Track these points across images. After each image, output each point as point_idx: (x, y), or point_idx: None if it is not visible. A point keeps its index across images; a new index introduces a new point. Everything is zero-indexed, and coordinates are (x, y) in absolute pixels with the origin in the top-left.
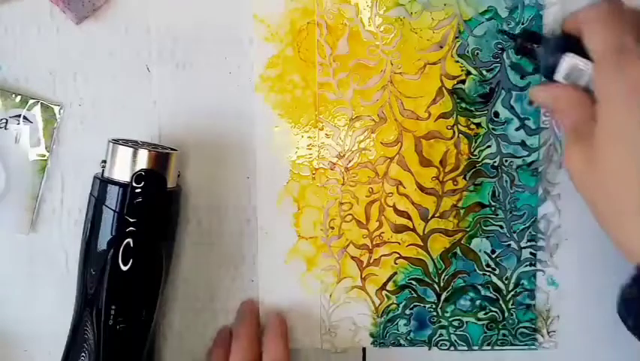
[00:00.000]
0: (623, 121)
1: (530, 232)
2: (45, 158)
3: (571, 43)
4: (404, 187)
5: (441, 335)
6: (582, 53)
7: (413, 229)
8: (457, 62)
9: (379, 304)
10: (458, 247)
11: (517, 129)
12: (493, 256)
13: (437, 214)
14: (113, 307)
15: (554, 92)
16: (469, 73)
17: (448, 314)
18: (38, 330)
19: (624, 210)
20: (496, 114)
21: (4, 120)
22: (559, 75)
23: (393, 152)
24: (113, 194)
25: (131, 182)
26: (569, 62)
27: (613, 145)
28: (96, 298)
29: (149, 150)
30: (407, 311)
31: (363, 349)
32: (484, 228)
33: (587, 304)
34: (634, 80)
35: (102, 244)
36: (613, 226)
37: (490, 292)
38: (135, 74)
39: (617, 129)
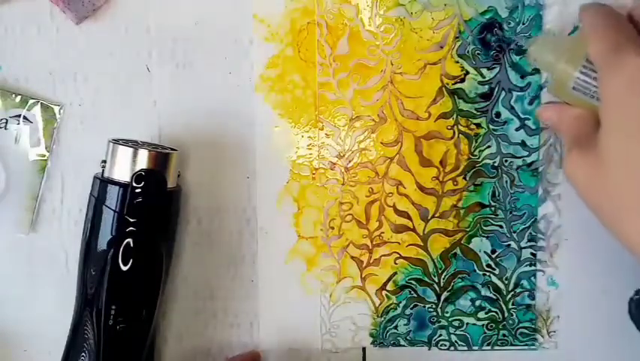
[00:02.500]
0: (626, 115)
1: (530, 232)
2: (45, 158)
3: None
4: (404, 187)
5: (441, 335)
6: None
7: (413, 229)
8: (457, 62)
9: (379, 304)
10: (458, 247)
11: (517, 129)
12: (493, 256)
13: (437, 214)
14: (113, 307)
15: (557, 110)
16: (468, 73)
17: (448, 314)
18: (38, 330)
19: (632, 205)
20: (497, 114)
21: (4, 120)
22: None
23: (393, 152)
24: (113, 194)
25: (131, 182)
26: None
27: (617, 140)
28: (96, 298)
29: (149, 150)
30: (407, 311)
31: (363, 349)
32: (484, 228)
33: (587, 304)
34: (631, 74)
35: (102, 244)
36: (621, 224)
37: (490, 292)
38: (135, 74)
39: (620, 125)
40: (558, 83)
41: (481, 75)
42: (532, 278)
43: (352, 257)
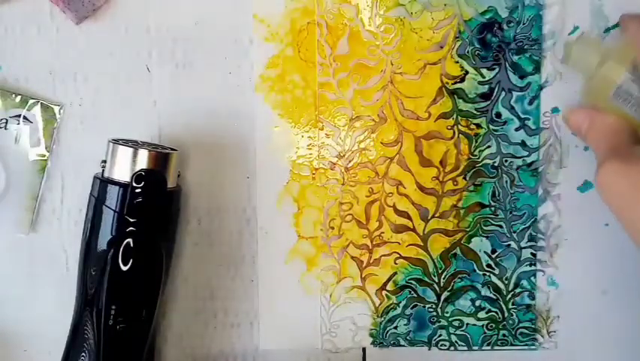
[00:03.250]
0: None
1: (530, 232)
2: (45, 158)
3: None
4: (404, 187)
5: (441, 335)
6: None
7: (413, 229)
8: (457, 62)
9: (379, 304)
10: (458, 247)
11: (517, 129)
12: (493, 256)
13: (437, 214)
14: (113, 307)
15: (589, 115)
16: (468, 73)
17: (448, 314)
18: (38, 330)
19: None
20: (497, 115)
21: (4, 120)
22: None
23: (393, 152)
24: (113, 194)
25: (131, 182)
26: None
27: None
28: (96, 298)
29: (149, 150)
30: (407, 311)
31: (363, 349)
32: (484, 228)
33: (587, 304)
34: None
35: (102, 244)
36: None
37: (490, 292)
38: (135, 74)
39: None
40: (597, 88)
41: (481, 75)
42: (532, 278)
43: (352, 257)
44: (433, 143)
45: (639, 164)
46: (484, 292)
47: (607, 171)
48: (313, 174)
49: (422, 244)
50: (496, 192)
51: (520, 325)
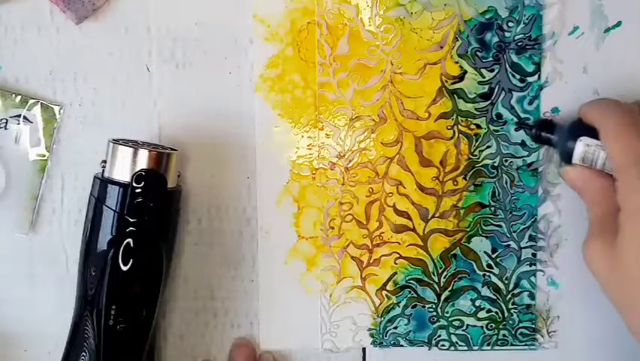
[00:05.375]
0: None
1: (530, 232)
2: (45, 158)
3: (585, 128)
4: (404, 187)
5: (441, 335)
6: (597, 135)
7: (413, 229)
8: (457, 62)
9: (379, 304)
10: (458, 247)
11: (517, 129)
12: (493, 256)
13: (437, 214)
14: (113, 307)
15: (585, 175)
16: (467, 72)
17: (448, 314)
18: (38, 330)
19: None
20: (498, 115)
21: (4, 120)
22: (575, 159)
23: (393, 152)
24: (113, 194)
25: (131, 182)
26: (582, 146)
27: (635, 256)
28: (96, 298)
29: (149, 150)
30: (407, 311)
31: (363, 349)
32: (484, 228)
33: (587, 304)
34: None
35: (102, 244)
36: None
37: (490, 292)
38: (135, 74)
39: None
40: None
41: (481, 75)
42: (532, 278)
43: (352, 257)
44: (433, 143)
45: (615, 243)
46: (484, 292)
47: (589, 248)
48: (313, 174)
49: (422, 244)
50: (496, 192)
51: (520, 325)
